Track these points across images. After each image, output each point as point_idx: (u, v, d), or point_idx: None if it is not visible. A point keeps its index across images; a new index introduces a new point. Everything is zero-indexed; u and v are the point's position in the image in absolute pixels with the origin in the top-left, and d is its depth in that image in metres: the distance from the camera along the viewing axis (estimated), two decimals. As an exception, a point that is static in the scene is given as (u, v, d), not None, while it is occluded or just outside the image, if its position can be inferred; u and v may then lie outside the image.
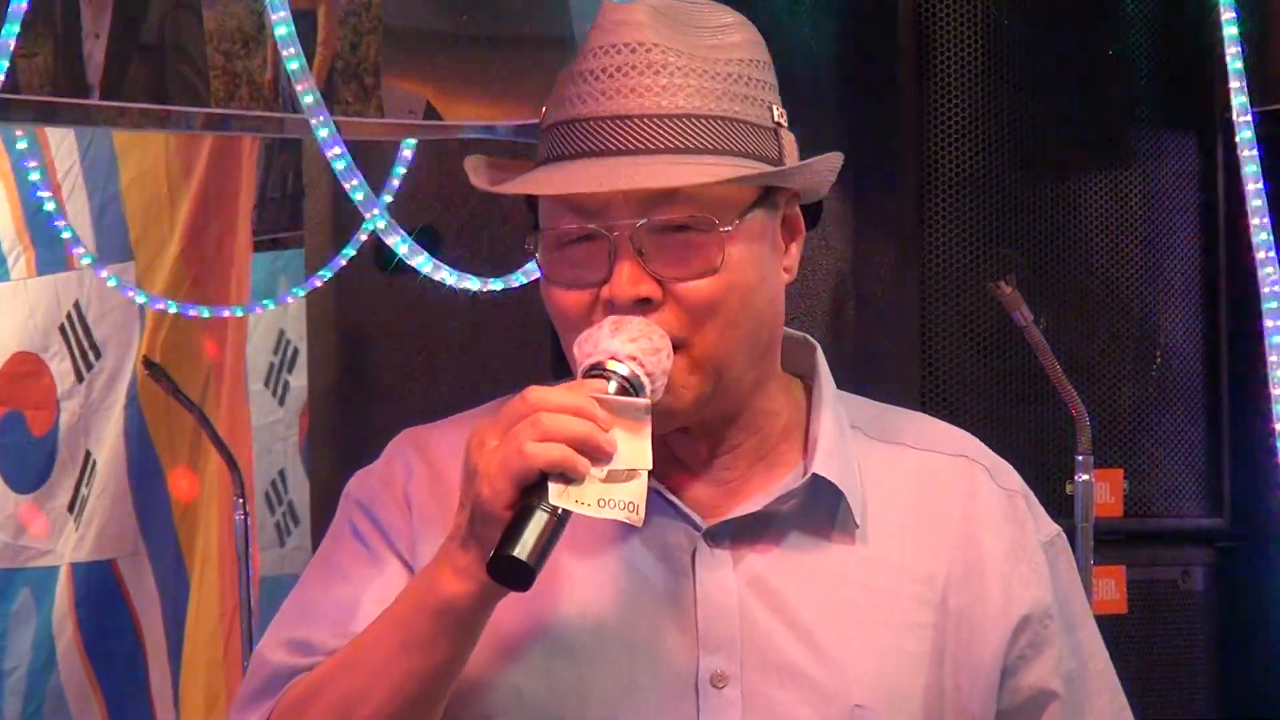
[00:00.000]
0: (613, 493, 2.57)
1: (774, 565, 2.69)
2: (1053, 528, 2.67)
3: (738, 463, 2.85)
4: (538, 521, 2.29)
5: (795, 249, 2.57)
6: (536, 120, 3.67)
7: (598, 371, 2.38)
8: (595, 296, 2.71)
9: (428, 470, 3.21)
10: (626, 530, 2.61)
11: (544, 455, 2.35)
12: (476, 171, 2.63)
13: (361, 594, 3.16)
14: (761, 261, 2.54)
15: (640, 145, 2.88)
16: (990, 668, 3.06)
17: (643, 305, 2.55)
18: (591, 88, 3.00)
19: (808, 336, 2.74)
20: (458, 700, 3.18)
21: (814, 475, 2.60)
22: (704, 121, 3.02)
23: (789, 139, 2.60)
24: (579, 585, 3.14)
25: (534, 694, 3.06)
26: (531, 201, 2.58)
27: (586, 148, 2.81)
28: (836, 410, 2.71)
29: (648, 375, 2.44)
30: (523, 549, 2.27)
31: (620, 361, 2.41)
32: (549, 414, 2.39)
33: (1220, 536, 5.52)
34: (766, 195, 2.52)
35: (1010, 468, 2.73)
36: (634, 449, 2.49)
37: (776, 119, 2.68)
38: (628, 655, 3.18)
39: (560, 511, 2.34)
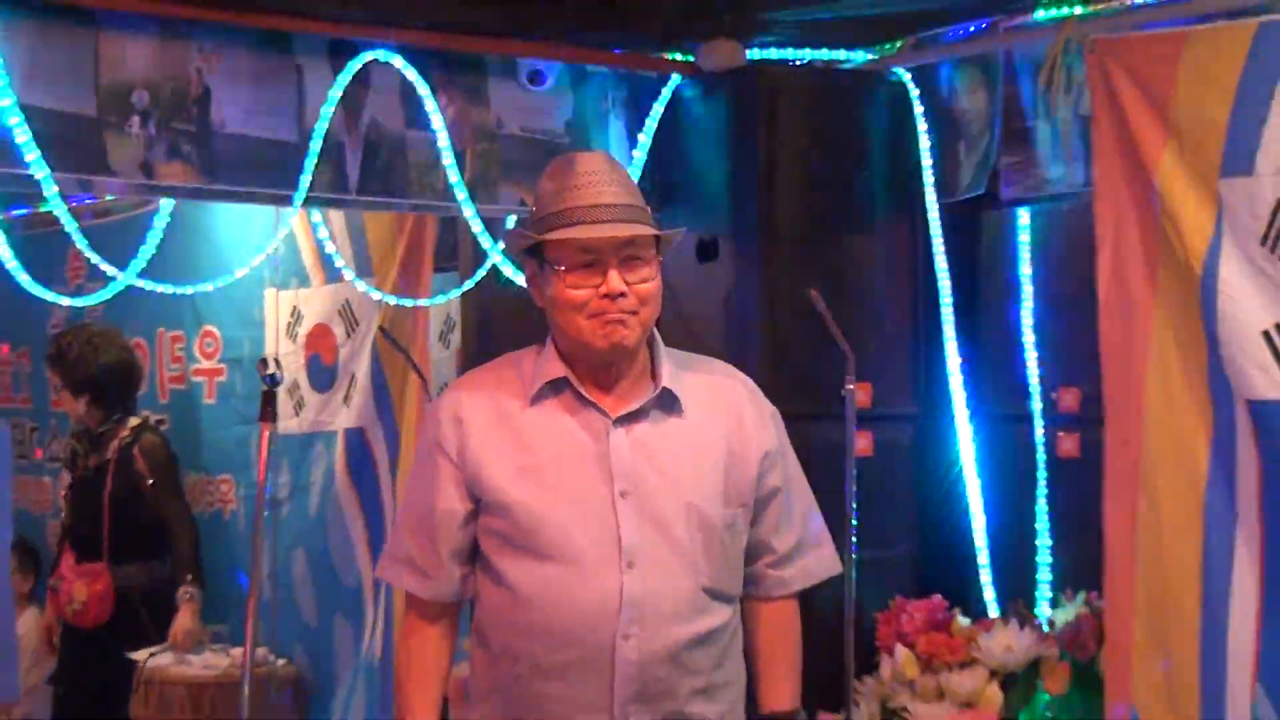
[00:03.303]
0: None
1: (645, 433, 4.10)
2: (772, 408, 4.30)
3: (625, 384, 4.11)
4: None
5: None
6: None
7: None
8: (593, 293, 3.96)
9: (468, 393, 4.16)
10: (571, 417, 4.09)
11: None
12: (518, 235, 4.13)
13: (437, 496, 4.11)
14: (660, 276, 4.01)
15: (612, 218, 3.94)
16: (751, 476, 4.17)
17: (620, 296, 3.92)
18: (582, 192, 3.96)
19: None
20: (487, 509, 4.07)
21: (663, 388, 4.07)
22: (634, 208, 3.98)
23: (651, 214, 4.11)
24: (546, 447, 4.08)
25: (527, 503, 4.03)
26: (536, 248, 4.01)
27: (585, 219, 3.96)
28: (668, 355, 4.17)
29: None
30: None
31: None
32: None
33: (918, 416, 6.20)
34: (658, 242, 4.00)
35: (752, 382, 4.34)
36: None
37: (645, 204, 4.07)
38: (576, 484, 4.04)
39: None
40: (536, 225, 4.06)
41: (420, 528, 4.15)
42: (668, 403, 4.12)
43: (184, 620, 7.30)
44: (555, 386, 4.03)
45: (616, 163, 4.17)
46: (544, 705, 4.03)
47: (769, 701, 4.21)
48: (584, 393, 4.06)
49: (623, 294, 3.98)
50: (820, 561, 4.33)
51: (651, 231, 4.03)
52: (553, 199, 4.03)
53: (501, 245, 5.99)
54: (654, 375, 4.14)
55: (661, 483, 4.06)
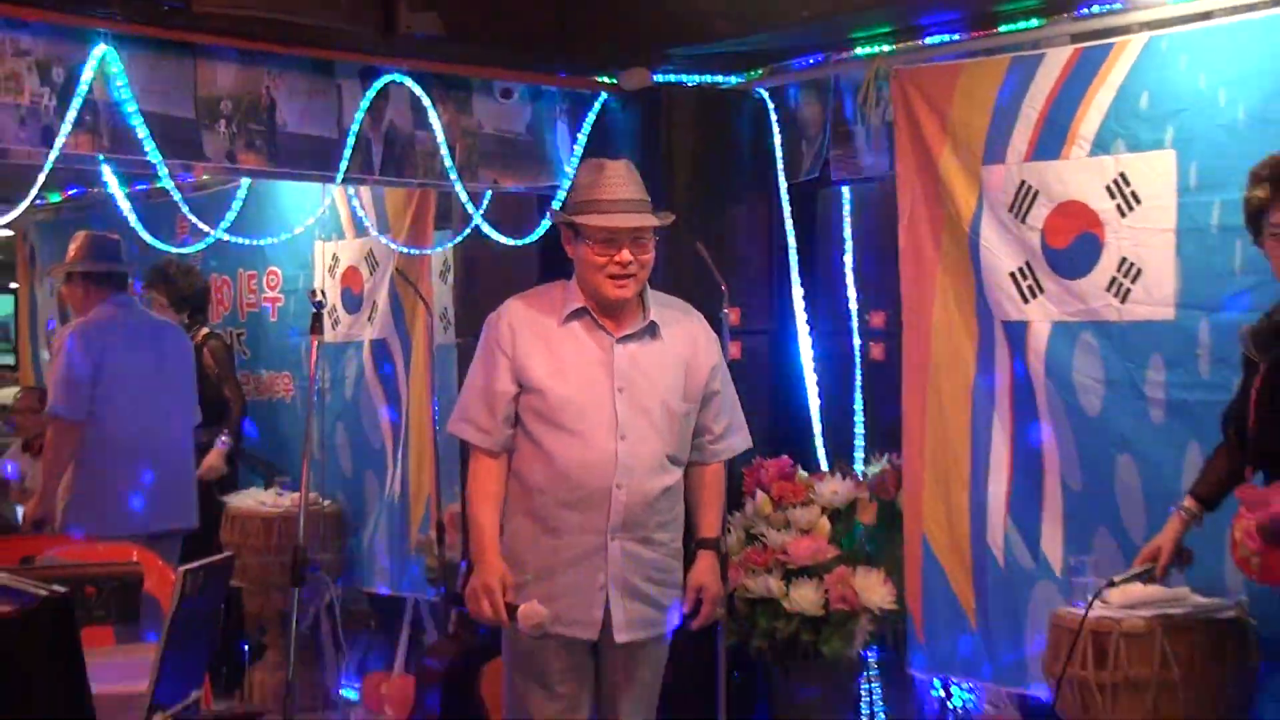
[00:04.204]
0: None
1: (636, 350, 4.33)
2: (714, 335, 4.53)
3: (625, 316, 4.33)
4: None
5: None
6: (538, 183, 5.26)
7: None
8: (609, 260, 4.24)
9: (519, 310, 4.41)
10: (588, 335, 4.33)
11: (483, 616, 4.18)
12: (562, 213, 4.40)
13: (495, 380, 4.32)
14: (654, 249, 4.32)
15: (628, 209, 4.27)
16: (701, 382, 4.47)
17: (628, 264, 4.23)
18: (608, 188, 4.26)
19: None
20: (527, 391, 4.27)
21: (650, 320, 4.35)
22: (643, 202, 4.31)
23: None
24: (570, 354, 4.31)
25: (555, 390, 4.30)
26: (571, 221, 4.28)
27: (609, 210, 4.26)
28: (653, 298, 4.39)
29: None
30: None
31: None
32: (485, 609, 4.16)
33: (773, 331, 6.04)
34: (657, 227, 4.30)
35: (702, 316, 4.60)
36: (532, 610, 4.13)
37: (648, 198, 4.35)
38: (588, 380, 4.34)
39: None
40: (574, 207, 4.34)
41: (481, 399, 4.34)
42: (652, 330, 4.37)
43: (211, 459, 7.27)
44: (578, 314, 4.35)
45: (633, 168, 4.37)
46: (560, 524, 4.29)
47: (703, 530, 4.52)
48: (597, 320, 4.31)
49: (630, 263, 4.22)
50: (742, 440, 4.60)
51: (653, 222, 4.29)
52: (587, 190, 4.33)
53: (483, 210, 5.95)
54: (644, 311, 4.35)
55: (645, 383, 4.33)
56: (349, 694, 7.25)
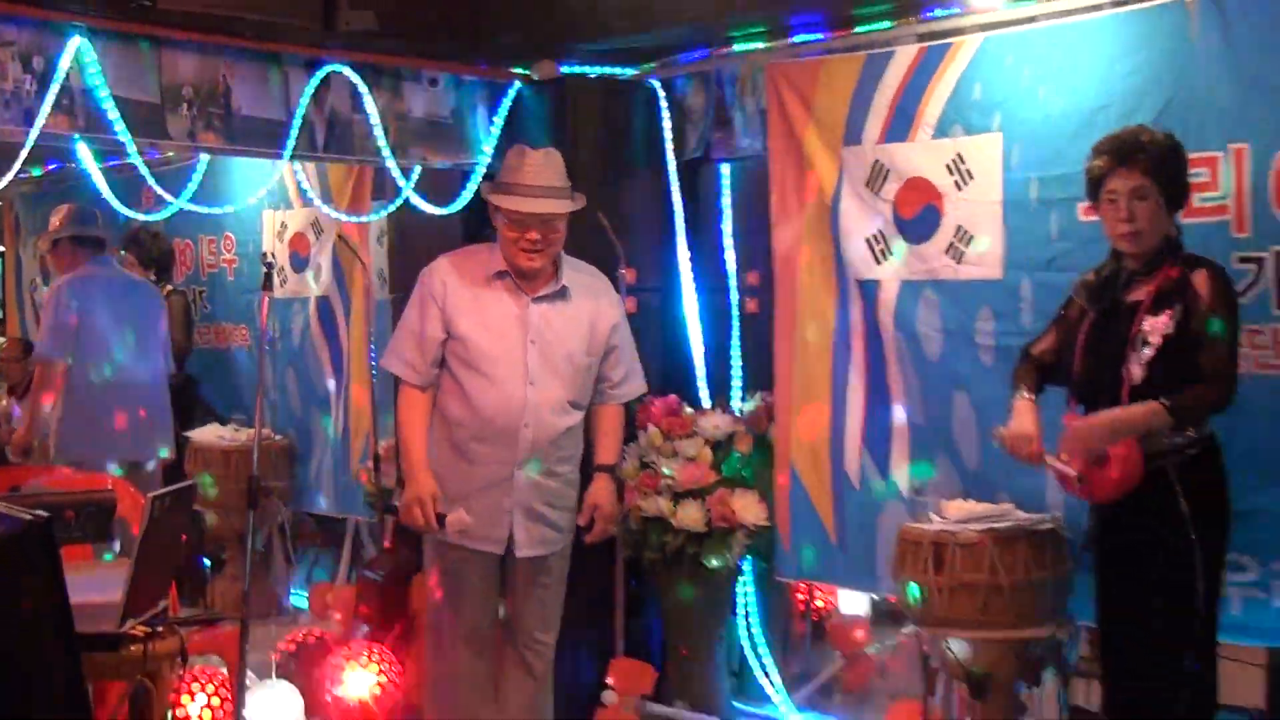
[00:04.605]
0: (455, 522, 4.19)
1: (547, 309, 4.36)
2: (617, 295, 4.66)
3: (540, 279, 4.42)
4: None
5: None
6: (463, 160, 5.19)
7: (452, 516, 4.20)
8: (521, 236, 4.27)
9: (451, 267, 4.44)
10: (508, 294, 4.32)
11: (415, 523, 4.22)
12: (488, 189, 4.41)
13: (426, 325, 4.34)
14: (565, 227, 4.34)
15: (540, 195, 4.27)
16: (602, 338, 4.52)
17: (536, 242, 4.26)
18: (529, 174, 4.32)
19: None
20: (452, 338, 4.32)
21: (562, 284, 4.39)
22: (557, 189, 4.33)
23: (578, 193, 4.42)
24: (492, 309, 4.39)
25: (476, 340, 4.33)
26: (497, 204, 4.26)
27: (528, 193, 4.27)
28: (565, 262, 4.42)
29: None
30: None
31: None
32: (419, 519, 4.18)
33: (663, 288, 5.92)
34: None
35: (606, 279, 4.67)
36: (459, 518, 4.21)
37: (570, 187, 4.39)
38: (505, 333, 4.38)
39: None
40: (497, 186, 4.35)
41: (413, 341, 4.34)
42: (563, 293, 4.39)
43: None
44: (500, 275, 4.34)
45: (553, 156, 4.36)
46: (474, 455, 4.33)
47: (601, 458, 4.61)
48: (516, 282, 4.32)
49: (539, 240, 4.24)
50: (638, 387, 4.64)
51: (559, 210, 4.29)
52: (510, 173, 4.33)
53: (413, 183, 5.84)
54: (557, 275, 4.37)
55: (554, 338, 4.35)
56: (298, 602, 7.20)
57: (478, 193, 5.33)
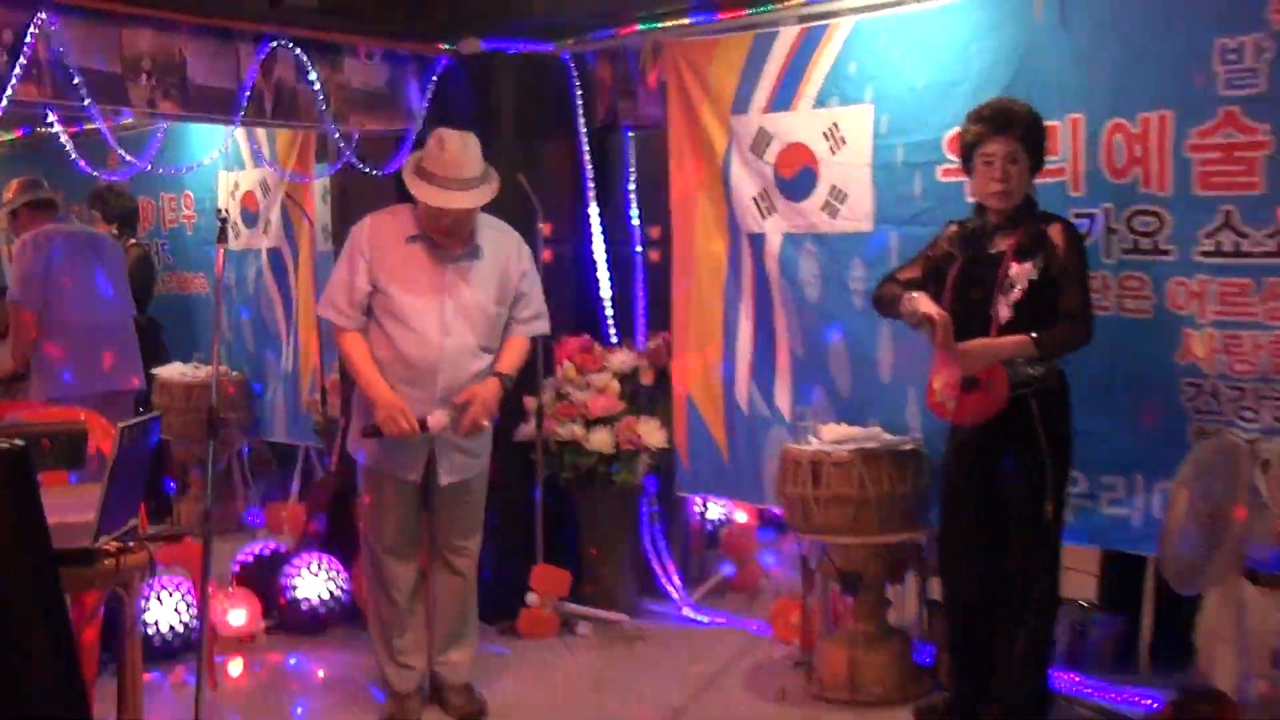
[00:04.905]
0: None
1: (463, 266, 4.16)
2: (528, 249, 4.37)
3: (457, 242, 4.20)
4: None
5: None
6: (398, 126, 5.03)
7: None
8: (437, 220, 4.05)
9: (376, 227, 4.26)
10: (427, 252, 4.10)
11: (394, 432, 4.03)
12: (408, 174, 4.10)
13: (355, 278, 4.16)
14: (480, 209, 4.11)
15: (458, 188, 4.10)
16: (512, 288, 4.32)
17: (449, 229, 4.03)
18: (446, 165, 4.04)
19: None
20: (377, 290, 4.16)
21: (475, 244, 4.17)
22: (472, 180, 4.12)
23: (494, 175, 4.17)
24: (412, 265, 4.20)
25: (398, 294, 4.16)
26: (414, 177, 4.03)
27: (445, 185, 4.02)
28: (480, 221, 4.17)
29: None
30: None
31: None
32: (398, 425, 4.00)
33: (575, 241, 5.74)
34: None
35: (516, 233, 4.38)
36: (438, 418, 4.08)
37: (489, 173, 4.14)
38: (424, 287, 4.19)
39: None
40: (418, 170, 4.12)
41: (344, 291, 4.19)
42: (477, 252, 4.21)
43: None
44: (420, 236, 4.11)
45: (470, 144, 4.14)
46: (400, 395, 4.15)
47: (497, 367, 4.31)
48: (435, 240, 4.14)
49: (451, 225, 4.10)
50: (542, 326, 4.44)
51: (470, 205, 4.08)
52: (429, 160, 4.11)
53: (353, 148, 5.67)
54: (471, 236, 4.18)
55: (468, 292, 4.19)
56: (255, 519, 7.11)
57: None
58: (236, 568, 5.56)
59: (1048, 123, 4.17)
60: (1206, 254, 4.03)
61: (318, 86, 5.41)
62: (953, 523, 4.10)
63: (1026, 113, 3.94)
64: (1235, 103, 3.91)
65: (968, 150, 3.97)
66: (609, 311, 5.82)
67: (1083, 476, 4.30)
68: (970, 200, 4.10)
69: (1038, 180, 4.13)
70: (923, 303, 3.91)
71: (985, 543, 4.02)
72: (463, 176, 4.09)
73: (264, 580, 5.44)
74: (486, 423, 4.25)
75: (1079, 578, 4.81)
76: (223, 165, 7.19)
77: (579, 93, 5.75)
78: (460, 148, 4.09)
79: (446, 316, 4.19)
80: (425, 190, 4.09)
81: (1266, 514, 3.34)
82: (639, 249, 5.74)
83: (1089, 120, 4.23)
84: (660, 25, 5.46)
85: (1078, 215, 4.24)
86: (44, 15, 4.59)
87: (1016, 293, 3.84)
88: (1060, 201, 4.24)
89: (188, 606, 4.94)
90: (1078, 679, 4.49)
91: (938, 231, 4.15)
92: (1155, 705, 3.97)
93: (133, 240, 7.16)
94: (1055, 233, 3.90)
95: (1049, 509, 3.91)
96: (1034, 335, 3.82)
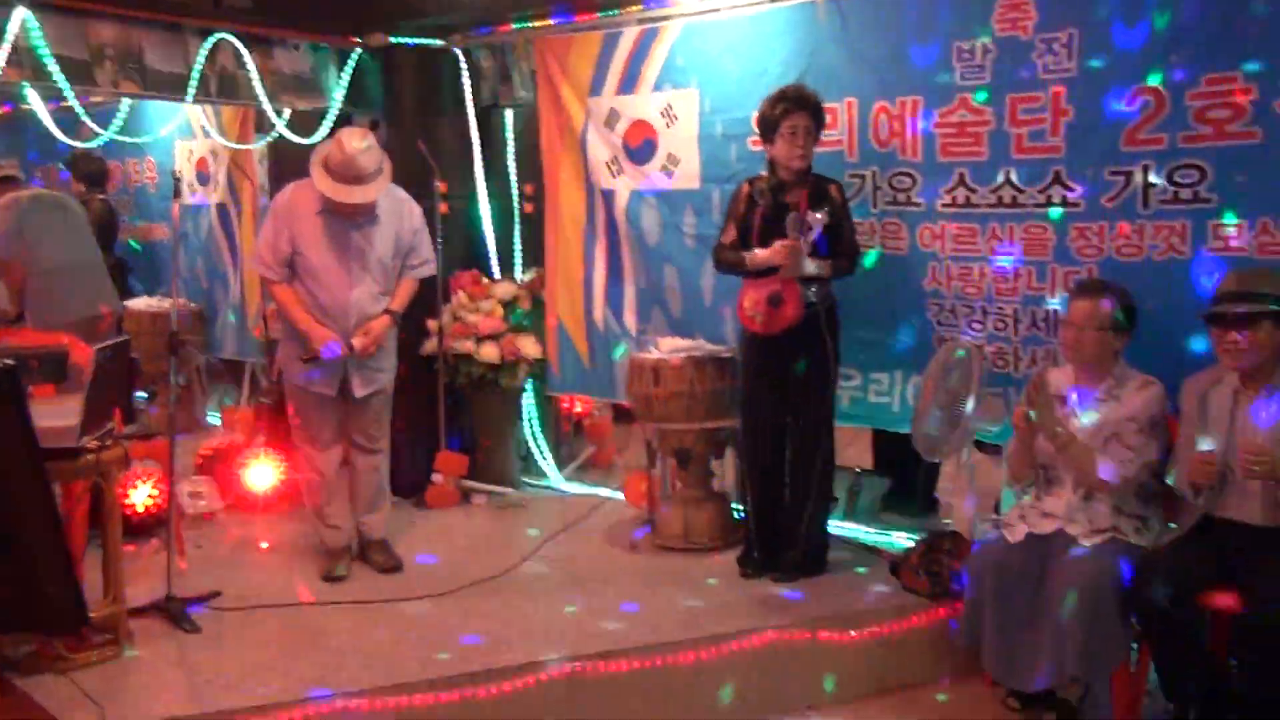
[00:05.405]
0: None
1: (365, 229, 4.08)
2: (419, 209, 4.12)
3: (364, 208, 4.01)
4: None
5: None
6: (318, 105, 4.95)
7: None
8: (337, 208, 3.83)
9: (292, 198, 4.07)
10: (334, 220, 3.88)
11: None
12: (314, 165, 3.85)
13: (278, 240, 3.96)
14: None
15: (356, 182, 3.93)
16: (406, 243, 4.16)
17: (353, 212, 3.82)
18: (348, 161, 3.84)
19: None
20: (295, 251, 4.01)
21: (376, 215, 3.98)
22: (369, 174, 3.93)
23: (388, 165, 3.95)
24: (324, 230, 4.03)
25: (312, 256, 4.00)
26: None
27: (343, 180, 3.83)
28: (384, 192, 3.97)
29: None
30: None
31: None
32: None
33: (466, 196, 5.51)
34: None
35: (408, 196, 4.10)
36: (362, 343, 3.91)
37: (382, 163, 3.91)
38: (333, 247, 4.03)
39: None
40: (324, 165, 3.90)
41: (270, 250, 4.02)
42: (375, 217, 4.04)
43: None
44: (328, 205, 3.95)
45: (367, 139, 3.89)
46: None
47: (389, 306, 4.18)
48: (341, 212, 3.97)
49: (353, 212, 3.92)
50: (429, 270, 4.27)
51: (369, 199, 3.88)
52: (332, 158, 3.89)
53: (285, 120, 5.48)
54: (372, 205, 4.01)
55: (370, 251, 4.03)
56: (213, 420, 6.90)
57: (332, 127, 5.10)
58: (199, 460, 5.44)
59: (830, 105, 4.21)
60: (946, 206, 4.08)
61: (255, 72, 5.21)
62: (754, 410, 4.12)
63: (814, 96, 3.96)
64: (968, 91, 3.96)
65: (774, 124, 3.92)
66: (493, 251, 5.74)
67: (857, 373, 4.37)
68: (769, 164, 4.06)
69: (824, 150, 4.17)
70: (763, 253, 3.92)
71: (778, 424, 4.07)
72: (359, 173, 3.93)
73: (222, 470, 5.33)
74: (374, 349, 4.15)
75: (858, 448, 5.00)
76: (178, 135, 6.88)
77: (466, 79, 5.61)
78: (358, 150, 3.86)
79: (353, 273, 4.09)
80: (329, 185, 3.92)
81: (986, 400, 3.44)
82: (516, 202, 5.63)
83: (861, 103, 4.25)
84: (531, 25, 5.36)
85: (852, 176, 4.30)
86: (25, 10, 4.39)
87: (814, 234, 3.86)
88: (840, 165, 4.26)
89: (160, 493, 4.80)
90: (853, 525, 4.59)
91: (734, 191, 4.12)
92: (911, 543, 4.05)
93: (101, 196, 6.82)
94: (834, 190, 3.97)
95: (832, 398, 4.01)
96: (830, 260, 3.91)
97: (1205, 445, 3.01)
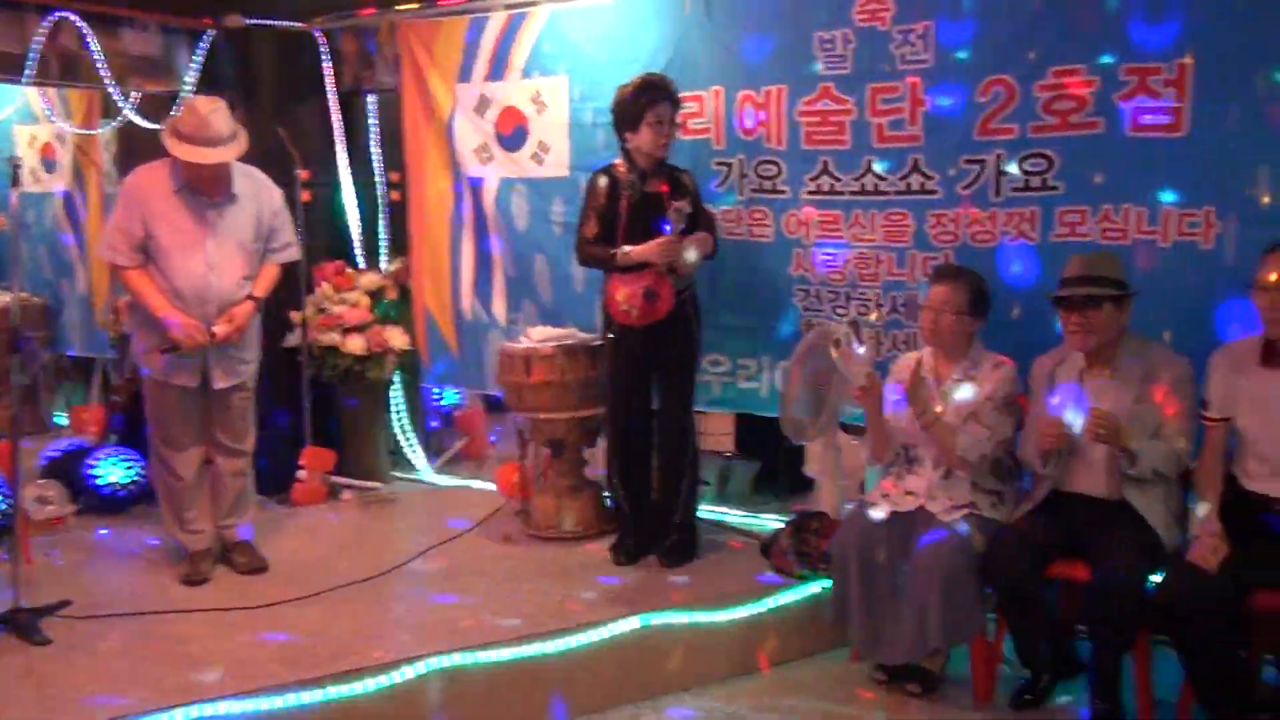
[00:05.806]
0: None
1: (222, 209, 3.88)
2: (279, 190, 4.00)
3: (216, 190, 3.88)
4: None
5: None
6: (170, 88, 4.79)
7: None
8: (195, 173, 3.72)
9: (144, 180, 3.90)
10: (192, 198, 3.78)
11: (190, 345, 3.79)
12: (166, 134, 3.75)
13: (131, 225, 3.81)
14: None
15: (209, 144, 3.73)
16: (266, 226, 4.04)
17: (209, 176, 3.71)
18: (199, 123, 3.73)
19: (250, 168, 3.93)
20: (149, 235, 3.83)
21: (232, 191, 3.88)
22: (221, 137, 3.79)
23: (242, 133, 3.83)
24: (179, 212, 3.89)
25: (166, 239, 3.87)
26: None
27: (196, 142, 3.72)
28: (235, 169, 3.90)
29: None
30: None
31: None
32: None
33: (328, 184, 5.38)
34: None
35: (268, 178, 3.98)
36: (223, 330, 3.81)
37: (236, 131, 3.81)
38: (189, 231, 3.90)
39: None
40: (174, 132, 3.80)
41: (122, 235, 3.87)
42: (234, 198, 3.94)
43: None
44: (185, 185, 3.80)
45: (219, 108, 3.82)
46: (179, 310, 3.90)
47: (251, 292, 4.08)
48: (196, 190, 3.87)
49: (209, 177, 3.83)
50: (291, 254, 4.18)
51: (225, 159, 3.80)
52: (183, 123, 3.78)
53: (132, 104, 5.27)
54: (230, 184, 3.92)
55: (228, 232, 3.92)
56: (60, 421, 6.64)
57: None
58: (44, 462, 5.23)
59: (696, 93, 4.27)
60: (810, 193, 4.14)
61: (100, 53, 5.00)
62: (623, 397, 4.13)
63: (673, 85, 3.97)
64: (830, 80, 4.03)
65: (638, 113, 3.91)
66: (357, 240, 5.65)
67: (726, 359, 4.43)
68: (626, 154, 4.03)
69: (690, 137, 4.23)
70: (640, 250, 3.92)
71: (645, 411, 4.11)
72: (211, 135, 3.79)
73: (69, 471, 5.12)
74: (238, 337, 4.06)
75: (722, 432, 5.05)
76: (17, 120, 6.57)
77: (327, 63, 5.50)
78: (208, 111, 3.79)
79: (210, 255, 3.96)
80: (181, 149, 3.81)
81: (849, 384, 3.54)
82: (381, 190, 5.55)
83: (727, 91, 4.28)
84: (395, 9, 5.28)
85: (719, 164, 4.37)
86: None
87: (682, 222, 3.87)
88: (706, 153, 4.32)
89: (4, 498, 4.59)
90: (723, 509, 4.66)
91: (587, 183, 4.10)
92: (780, 525, 4.11)
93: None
94: (687, 179, 4.00)
95: (692, 382, 4.08)
96: (703, 235, 3.92)
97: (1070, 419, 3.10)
